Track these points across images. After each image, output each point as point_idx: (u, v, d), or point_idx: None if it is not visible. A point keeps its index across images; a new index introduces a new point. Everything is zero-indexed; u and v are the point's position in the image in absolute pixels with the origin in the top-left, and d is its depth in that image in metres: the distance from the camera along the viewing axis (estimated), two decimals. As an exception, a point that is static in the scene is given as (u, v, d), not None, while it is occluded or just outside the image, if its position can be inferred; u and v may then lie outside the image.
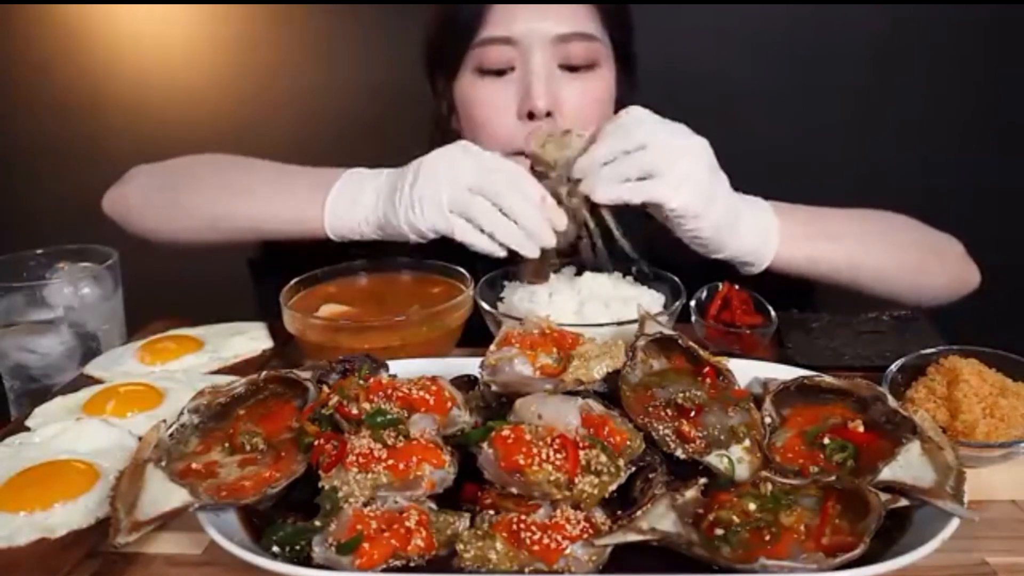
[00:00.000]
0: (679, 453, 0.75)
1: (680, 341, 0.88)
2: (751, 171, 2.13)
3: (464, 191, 1.06)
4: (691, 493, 0.72)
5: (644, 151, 1.04)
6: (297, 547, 0.68)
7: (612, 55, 1.34)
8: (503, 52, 1.25)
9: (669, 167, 1.04)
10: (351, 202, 1.14)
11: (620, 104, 1.41)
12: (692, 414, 0.78)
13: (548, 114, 1.24)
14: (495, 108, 1.28)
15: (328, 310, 1.15)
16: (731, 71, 2.11)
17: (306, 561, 0.67)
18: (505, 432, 0.71)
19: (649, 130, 1.06)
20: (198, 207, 1.25)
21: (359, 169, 1.18)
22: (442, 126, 1.39)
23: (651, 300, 1.15)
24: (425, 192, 1.06)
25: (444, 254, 1.24)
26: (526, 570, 0.66)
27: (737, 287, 1.16)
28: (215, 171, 1.29)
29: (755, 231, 1.13)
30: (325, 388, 0.83)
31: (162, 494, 0.71)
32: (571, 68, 1.27)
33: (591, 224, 1.10)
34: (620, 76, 1.37)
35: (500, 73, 1.27)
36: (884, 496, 0.70)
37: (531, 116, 1.24)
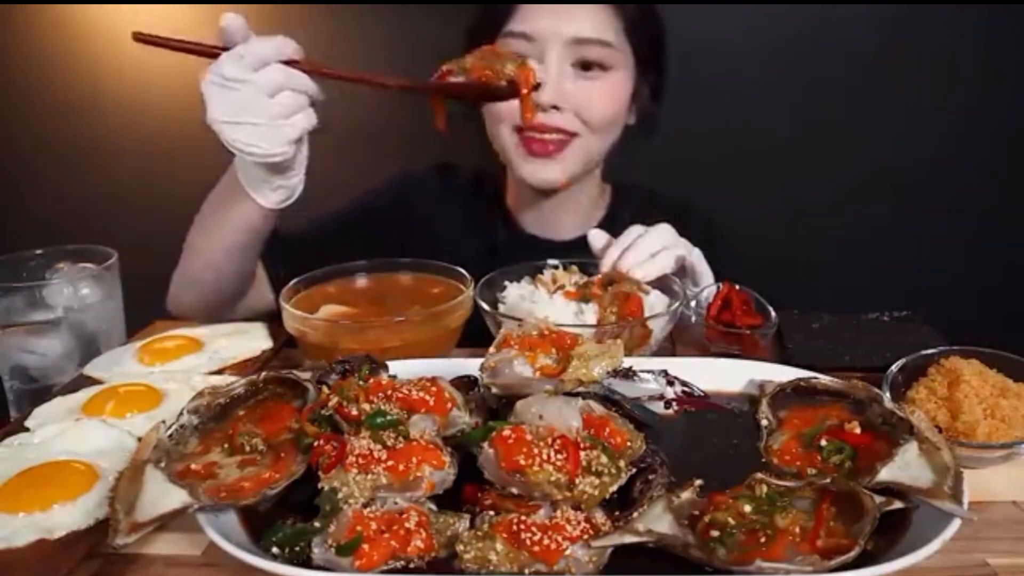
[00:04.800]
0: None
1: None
2: (754, 167, 2.14)
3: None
4: (687, 494, 0.72)
5: (643, 237, 1.19)
6: (297, 548, 0.68)
7: (631, 60, 1.39)
8: (522, 46, 1.33)
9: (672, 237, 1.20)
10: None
11: (638, 107, 1.46)
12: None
13: (554, 107, 1.33)
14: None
15: (328, 310, 1.15)
16: (729, 71, 2.11)
17: (306, 562, 0.67)
18: (506, 432, 0.71)
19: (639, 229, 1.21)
20: (199, 274, 1.29)
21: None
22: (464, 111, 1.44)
23: (653, 300, 1.15)
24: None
25: (444, 255, 1.25)
26: (526, 571, 0.66)
27: (738, 287, 1.16)
28: (189, 238, 1.31)
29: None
30: (325, 389, 0.83)
31: (161, 495, 0.71)
32: (585, 67, 1.34)
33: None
34: (641, 80, 1.43)
35: None
36: (879, 498, 0.70)
37: (538, 107, 1.31)
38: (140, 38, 1.05)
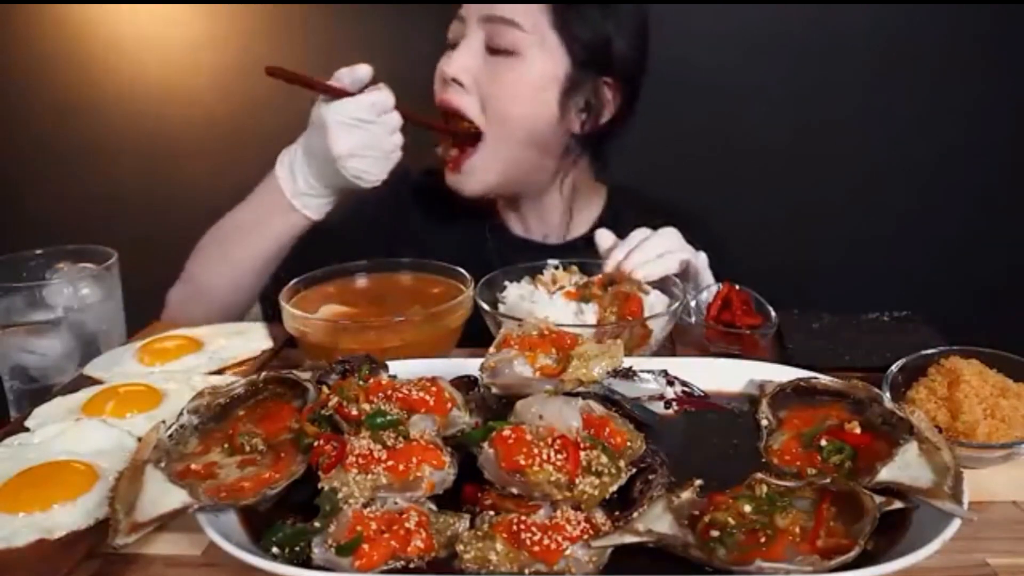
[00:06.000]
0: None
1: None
2: (755, 167, 2.14)
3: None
4: (687, 494, 0.72)
5: (649, 240, 1.20)
6: (297, 548, 0.68)
7: (561, 57, 1.36)
8: (457, 29, 1.40)
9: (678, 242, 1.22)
10: (292, 173, 1.30)
11: (593, 117, 1.43)
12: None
13: (456, 81, 1.36)
14: (439, 72, 1.41)
15: (328, 310, 1.15)
16: (732, 69, 2.11)
17: (306, 562, 0.67)
18: (506, 432, 0.71)
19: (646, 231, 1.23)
20: (218, 288, 1.37)
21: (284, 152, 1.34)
22: None
23: (653, 300, 1.15)
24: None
25: (443, 255, 1.25)
26: (526, 571, 0.66)
27: (738, 287, 1.16)
28: (204, 253, 1.40)
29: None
30: (325, 389, 0.83)
31: (161, 495, 0.71)
32: (495, 51, 1.36)
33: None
34: (585, 85, 1.39)
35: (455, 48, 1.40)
36: (879, 498, 0.70)
37: (444, 83, 1.37)
38: (272, 72, 1.23)
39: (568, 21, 1.35)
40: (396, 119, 1.28)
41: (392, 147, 1.29)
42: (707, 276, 1.23)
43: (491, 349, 0.86)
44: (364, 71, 1.26)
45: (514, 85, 1.36)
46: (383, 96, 1.27)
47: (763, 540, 0.67)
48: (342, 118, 1.23)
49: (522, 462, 0.69)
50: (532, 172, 1.45)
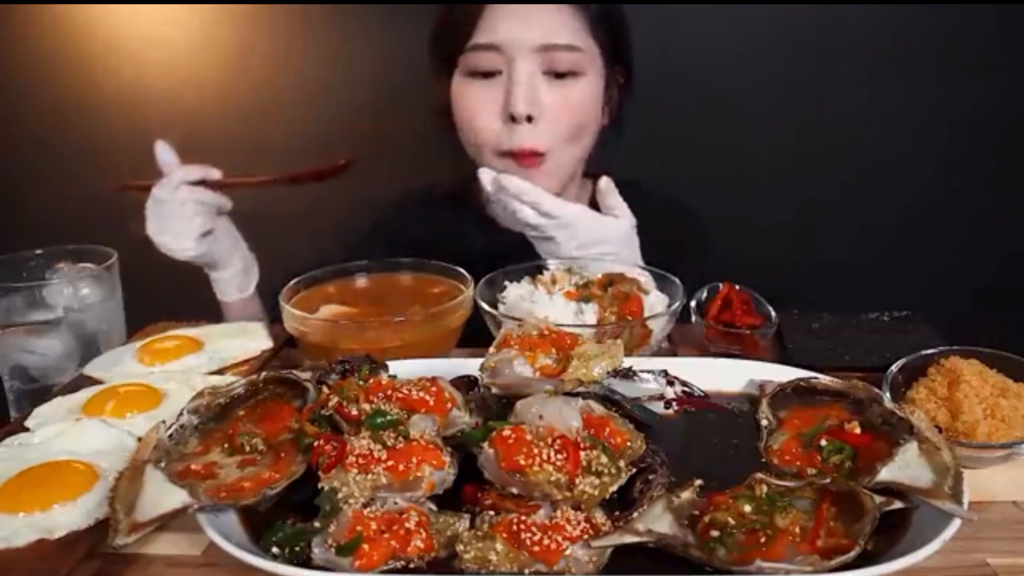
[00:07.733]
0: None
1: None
2: (754, 167, 2.14)
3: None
4: (687, 494, 0.72)
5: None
6: (297, 548, 0.68)
7: (600, 61, 1.37)
8: (489, 58, 1.32)
9: None
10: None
11: (611, 106, 1.43)
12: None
13: (528, 118, 1.31)
14: (481, 110, 1.35)
15: (328, 310, 1.15)
16: (730, 68, 2.11)
17: (306, 562, 0.67)
18: (506, 432, 0.71)
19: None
20: None
21: None
22: (442, 120, 1.43)
23: (653, 300, 1.15)
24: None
25: (444, 255, 1.25)
26: (526, 571, 0.66)
27: (738, 287, 1.16)
28: None
29: None
30: (325, 389, 0.83)
31: (161, 495, 0.71)
32: (555, 75, 1.32)
33: None
34: (611, 79, 1.41)
35: (488, 76, 1.33)
36: (879, 498, 0.70)
37: (513, 119, 1.31)
38: (119, 188, 1.40)
39: (599, 25, 1.34)
40: (184, 192, 1.30)
41: (185, 217, 1.31)
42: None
43: (491, 349, 0.86)
44: (159, 152, 1.34)
45: (579, 103, 1.35)
46: (173, 176, 1.31)
47: (763, 540, 0.67)
48: (150, 201, 1.31)
49: (522, 462, 0.69)
50: (574, 174, 1.46)
